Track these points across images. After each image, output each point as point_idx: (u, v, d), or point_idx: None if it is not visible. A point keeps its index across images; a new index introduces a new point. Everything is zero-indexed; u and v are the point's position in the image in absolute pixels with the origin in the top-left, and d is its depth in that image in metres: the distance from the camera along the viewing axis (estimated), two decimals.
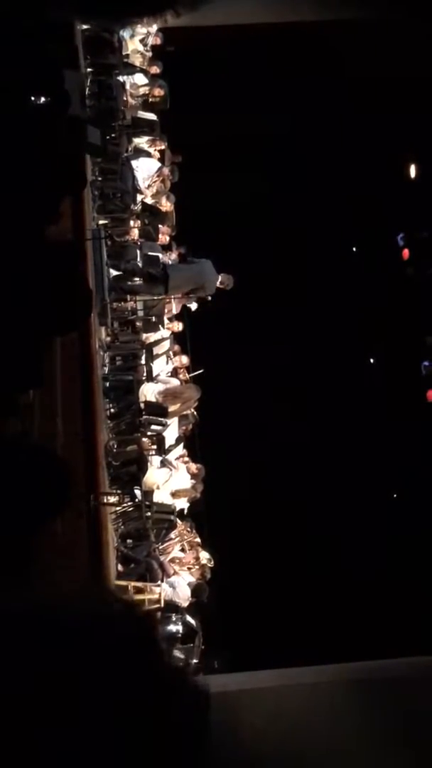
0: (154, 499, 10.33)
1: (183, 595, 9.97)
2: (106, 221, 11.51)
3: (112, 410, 10.51)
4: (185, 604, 9.94)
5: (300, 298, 15.21)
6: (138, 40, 13.66)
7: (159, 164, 12.96)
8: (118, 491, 9.97)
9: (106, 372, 10.63)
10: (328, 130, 15.09)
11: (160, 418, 10.77)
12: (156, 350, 11.60)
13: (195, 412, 11.75)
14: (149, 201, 12.74)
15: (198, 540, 10.97)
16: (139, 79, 13.42)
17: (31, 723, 0.77)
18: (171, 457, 11.05)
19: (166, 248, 12.73)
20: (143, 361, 11.11)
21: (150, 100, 13.33)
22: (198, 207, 13.88)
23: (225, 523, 12.52)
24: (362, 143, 14.86)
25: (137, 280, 11.53)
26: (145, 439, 10.43)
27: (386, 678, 7.41)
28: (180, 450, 11.43)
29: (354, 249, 16.87)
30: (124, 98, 12.61)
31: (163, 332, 12.05)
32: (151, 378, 11.14)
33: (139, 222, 12.16)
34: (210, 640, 10.32)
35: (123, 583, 9.15)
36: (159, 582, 9.60)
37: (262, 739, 6.55)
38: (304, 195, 15.41)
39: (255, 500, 14.30)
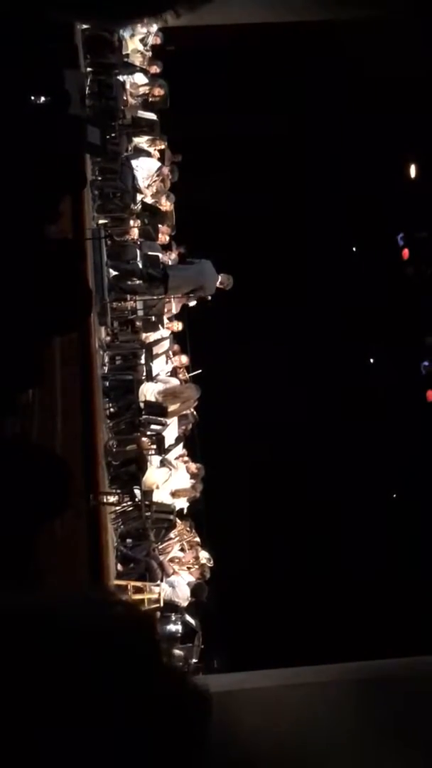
0: (153, 499, 10.34)
1: (182, 595, 9.97)
2: (105, 221, 11.51)
3: (111, 410, 10.51)
4: (185, 603, 9.95)
5: (300, 298, 15.20)
6: (138, 39, 13.66)
7: (159, 164, 12.96)
8: (118, 491, 9.97)
9: (106, 371, 10.63)
10: (328, 130, 15.10)
11: (159, 418, 10.78)
12: (155, 350, 11.60)
13: (194, 412, 11.75)
14: (149, 200, 12.74)
15: (197, 540, 10.97)
16: (139, 78, 13.43)
17: (32, 723, 0.77)
18: (171, 456, 11.06)
19: (165, 248, 12.73)
20: (143, 361, 11.11)
21: (150, 99, 13.33)
22: (198, 207, 13.88)
23: (225, 523, 12.52)
24: (362, 143, 14.86)
25: (137, 280, 11.54)
26: (144, 439, 10.44)
27: (386, 678, 7.41)
28: (179, 449, 11.43)
29: (354, 249, 16.87)
30: (124, 98, 12.61)
31: (163, 332, 12.05)
32: (150, 377, 11.14)
33: (138, 221, 12.16)
34: (209, 640, 10.33)
35: (122, 582, 9.16)
36: (158, 581, 9.61)
37: (262, 739, 6.55)
38: (304, 195, 15.42)
39: (255, 500, 14.30)
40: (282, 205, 15.36)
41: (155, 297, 11.64)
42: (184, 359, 12.42)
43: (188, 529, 11.05)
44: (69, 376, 8.62)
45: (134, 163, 12.42)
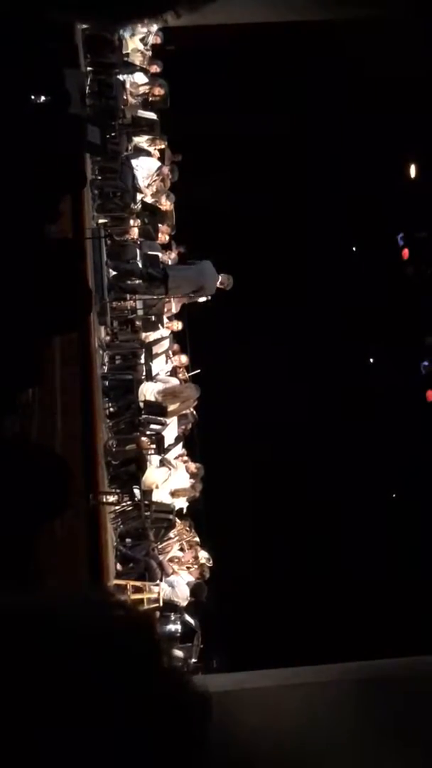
0: (153, 499, 10.34)
1: (182, 595, 9.97)
2: (105, 220, 11.51)
3: (111, 409, 10.51)
4: (184, 603, 9.95)
5: (300, 298, 15.20)
6: (138, 38, 13.66)
7: (159, 163, 12.96)
8: (117, 490, 9.97)
9: (106, 371, 10.64)
10: (329, 129, 15.09)
11: (159, 418, 10.78)
12: (155, 349, 11.60)
13: (194, 412, 11.76)
14: (149, 200, 12.74)
15: (197, 539, 10.97)
16: (139, 77, 13.43)
17: (31, 724, 0.77)
18: (170, 456, 11.06)
19: (165, 247, 12.74)
20: (142, 361, 11.12)
21: (150, 99, 13.33)
22: (198, 207, 13.88)
23: (224, 523, 12.51)
24: (362, 143, 14.86)
25: (137, 280, 11.54)
26: (144, 438, 10.44)
27: (386, 678, 7.40)
28: (179, 449, 11.43)
29: (354, 249, 16.87)
30: (124, 97, 12.61)
31: (163, 331, 12.06)
32: (150, 377, 11.14)
33: (138, 221, 12.16)
34: (209, 640, 10.33)
35: (122, 582, 9.16)
36: (158, 581, 9.61)
37: (262, 739, 6.55)
38: (304, 195, 15.41)
39: (254, 499, 14.30)
40: (282, 205, 15.36)
41: (155, 297, 11.64)
42: (184, 359, 12.42)
43: (188, 528, 11.06)
44: (69, 375, 8.63)
45: (134, 162, 12.43)
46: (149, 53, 13.83)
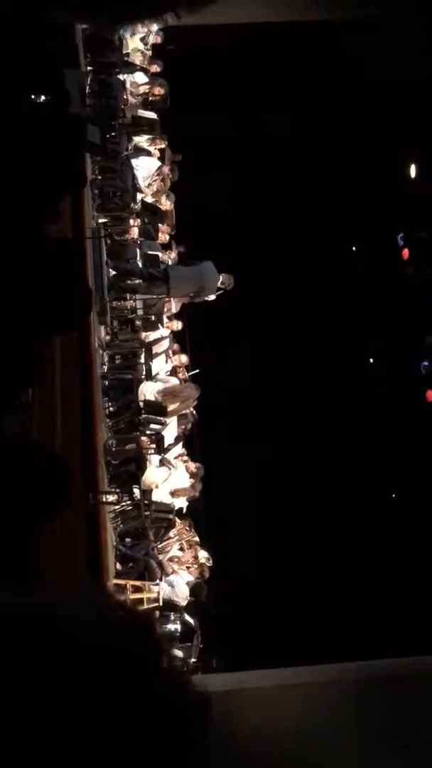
0: (153, 498, 10.34)
1: (181, 594, 9.97)
2: (105, 220, 11.51)
3: (111, 409, 10.51)
4: (184, 603, 9.95)
5: (300, 298, 15.20)
6: (138, 38, 13.65)
7: (159, 163, 12.96)
8: (117, 490, 9.97)
9: (106, 371, 10.64)
10: (329, 129, 15.09)
11: (159, 417, 10.78)
12: (155, 349, 11.60)
13: (194, 411, 11.75)
14: (149, 200, 12.74)
15: (197, 539, 10.97)
16: (140, 77, 13.42)
17: (31, 724, 0.77)
18: (170, 455, 11.06)
19: (165, 247, 12.74)
20: (142, 360, 11.11)
21: (150, 98, 13.32)
22: (198, 206, 13.88)
23: (224, 522, 12.52)
24: (362, 143, 14.86)
25: (137, 279, 11.54)
26: (144, 438, 10.44)
27: (386, 678, 7.41)
28: (179, 449, 11.43)
29: (354, 249, 16.87)
30: (124, 97, 12.61)
31: (163, 331, 12.06)
32: (150, 377, 11.14)
33: (138, 221, 12.17)
34: (208, 639, 10.33)
35: (121, 581, 9.16)
36: (157, 581, 9.61)
37: (261, 739, 6.55)
38: (304, 195, 15.41)
39: (254, 499, 14.30)
40: (282, 204, 15.36)
41: (155, 296, 11.65)
42: (184, 358, 12.42)
43: (187, 528, 11.06)
44: (69, 375, 8.63)
45: (134, 162, 12.42)
46: (149, 53, 13.83)
